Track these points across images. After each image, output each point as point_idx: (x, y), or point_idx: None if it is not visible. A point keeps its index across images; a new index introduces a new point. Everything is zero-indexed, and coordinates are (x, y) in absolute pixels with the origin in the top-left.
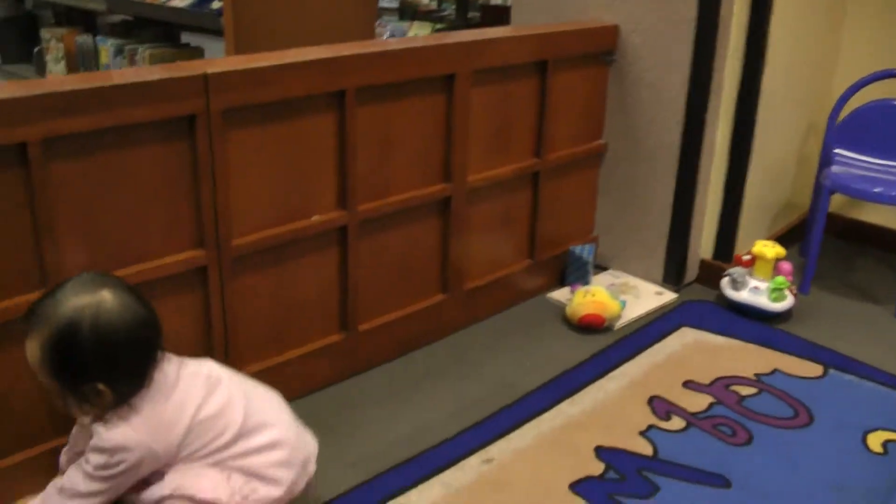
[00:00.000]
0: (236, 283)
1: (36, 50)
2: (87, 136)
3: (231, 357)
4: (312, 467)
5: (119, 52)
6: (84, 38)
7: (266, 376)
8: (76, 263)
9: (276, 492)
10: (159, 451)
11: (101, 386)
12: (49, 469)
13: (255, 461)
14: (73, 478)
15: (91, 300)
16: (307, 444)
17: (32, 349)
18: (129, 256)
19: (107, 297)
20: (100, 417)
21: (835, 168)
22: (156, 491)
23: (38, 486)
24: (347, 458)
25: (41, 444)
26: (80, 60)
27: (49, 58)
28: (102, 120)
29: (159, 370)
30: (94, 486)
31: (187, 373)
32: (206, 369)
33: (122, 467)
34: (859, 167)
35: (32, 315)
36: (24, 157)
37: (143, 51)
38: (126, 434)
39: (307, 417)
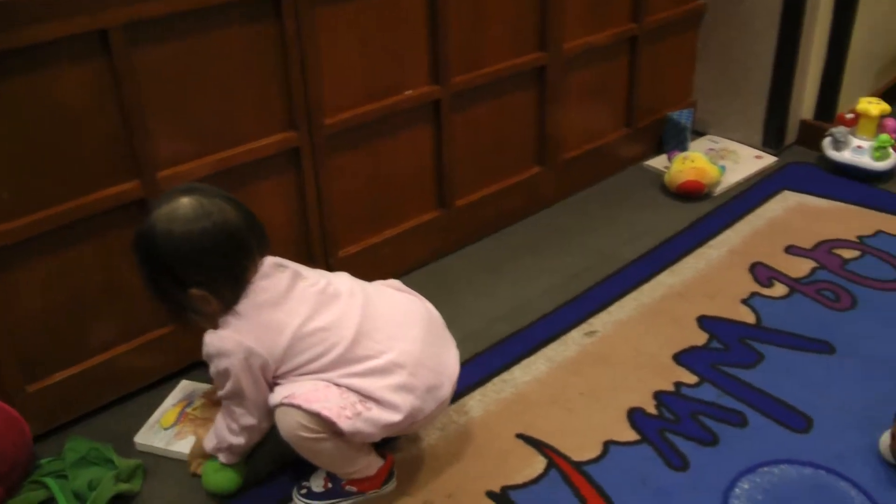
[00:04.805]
0: (330, 164)
1: None
2: (168, 20)
3: (328, 239)
4: (444, 393)
5: None
6: None
7: (363, 257)
8: (169, 151)
9: (394, 416)
10: (263, 354)
11: (195, 291)
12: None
13: (367, 383)
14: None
15: (167, 208)
16: (443, 368)
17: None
18: (221, 141)
19: (183, 203)
20: (212, 327)
21: None
22: (270, 400)
23: None
24: None
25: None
26: None
27: None
28: (183, 2)
29: (269, 278)
30: (222, 392)
31: (303, 285)
32: (324, 282)
33: (226, 372)
34: None
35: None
36: (106, 45)
37: None
38: (224, 337)
39: None
